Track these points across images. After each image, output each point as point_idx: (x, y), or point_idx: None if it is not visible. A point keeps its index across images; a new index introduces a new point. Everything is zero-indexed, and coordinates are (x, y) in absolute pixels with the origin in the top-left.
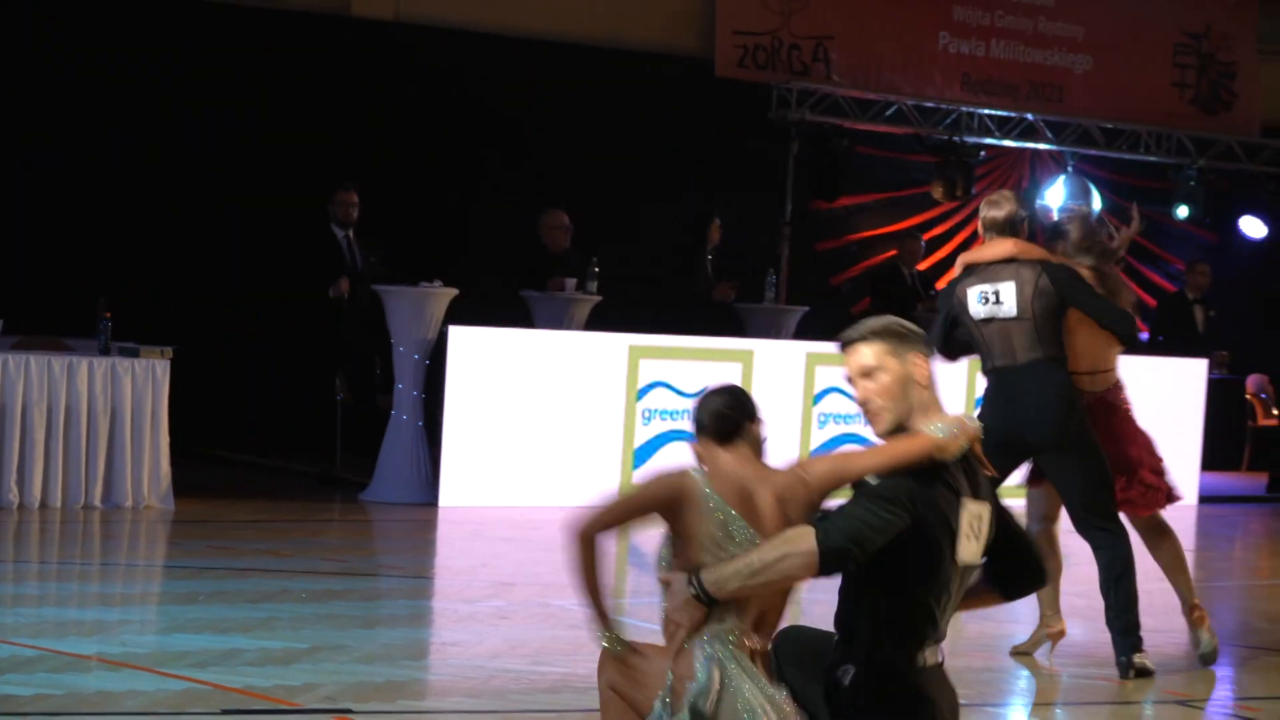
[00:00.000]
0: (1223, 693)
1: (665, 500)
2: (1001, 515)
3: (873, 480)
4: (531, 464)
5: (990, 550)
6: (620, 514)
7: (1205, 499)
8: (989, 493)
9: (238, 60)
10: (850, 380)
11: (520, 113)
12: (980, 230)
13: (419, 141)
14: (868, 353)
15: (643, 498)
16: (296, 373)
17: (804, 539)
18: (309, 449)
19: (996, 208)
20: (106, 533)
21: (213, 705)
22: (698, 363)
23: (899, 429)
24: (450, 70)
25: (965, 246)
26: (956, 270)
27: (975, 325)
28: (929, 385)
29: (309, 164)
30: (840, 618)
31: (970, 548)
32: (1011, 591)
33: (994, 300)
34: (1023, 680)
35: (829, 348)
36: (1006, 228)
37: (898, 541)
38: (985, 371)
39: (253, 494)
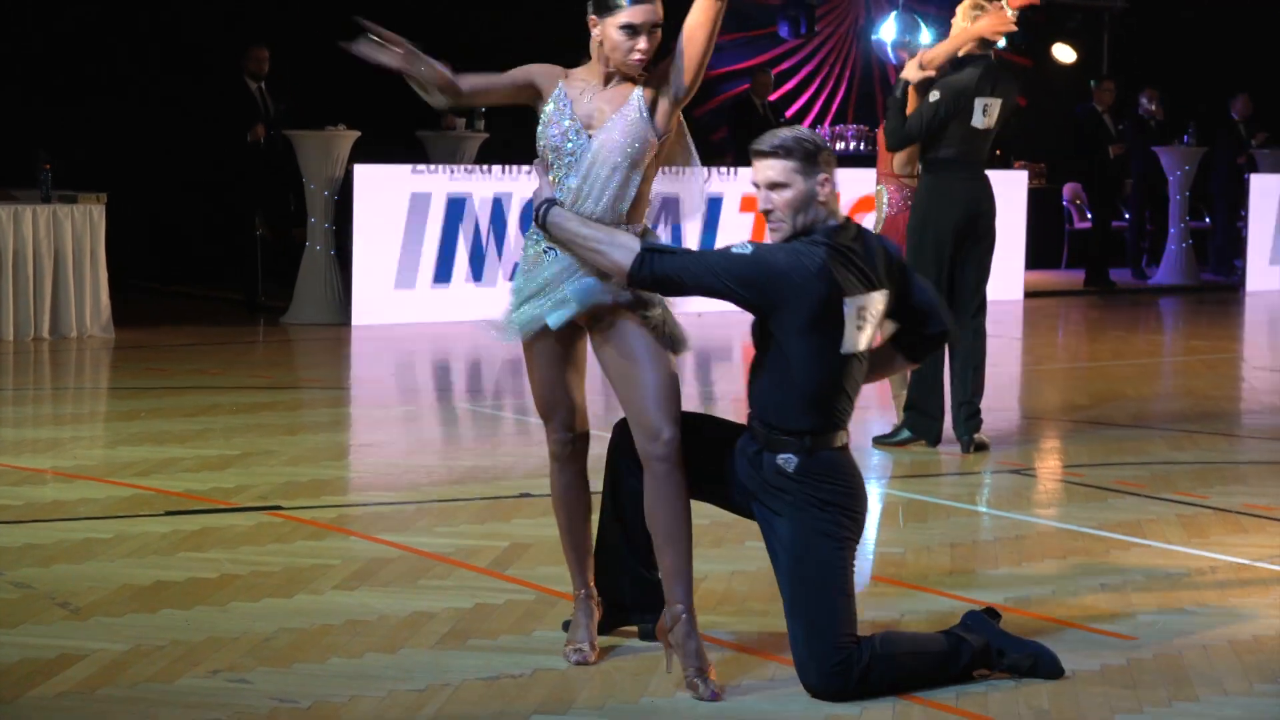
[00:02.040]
0: (1052, 462)
1: (527, 84)
2: (903, 288)
3: (746, 250)
4: (431, 285)
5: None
6: (493, 82)
7: (1030, 294)
8: (883, 278)
9: None
10: (756, 186)
11: None
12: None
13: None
14: (777, 167)
15: (513, 74)
16: (220, 211)
17: (626, 255)
18: (233, 279)
19: None
20: (55, 360)
21: (157, 508)
22: None
23: (795, 238)
24: None
25: (810, 80)
26: (962, 42)
27: (967, 128)
28: (829, 202)
29: (222, 22)
30: (759, 407)
31: (858, 336)
32: (916, 355)
33: (987, 112)
34: (875, 458)
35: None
36: None
37: (789, 330)
38: (947, 161)
39: (184, 321)
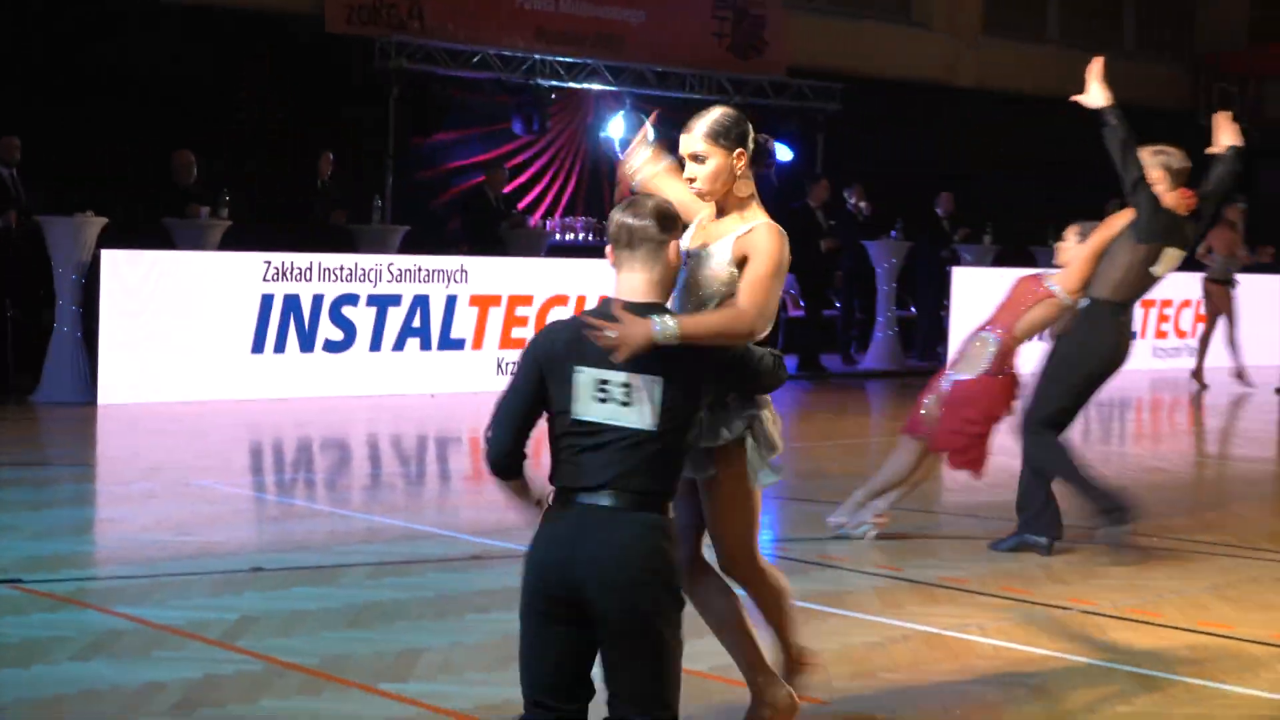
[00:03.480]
0: (760, 536)
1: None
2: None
3: None
4: (177, 365)
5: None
6: None
7: None
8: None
9: None
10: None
11: (166, 67)
12: (1168, 179)
13: (72, 93)
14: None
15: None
16: None
17: None
18: None
19: (1178, 160)
20: None
21: None
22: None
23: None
24: (101, 34)
25: (542, 174)
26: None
27: (1145, 272)
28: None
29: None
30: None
31: (595, 409)
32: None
33: (1165, 263)
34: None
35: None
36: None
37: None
38: (1122, 305)
39: None
